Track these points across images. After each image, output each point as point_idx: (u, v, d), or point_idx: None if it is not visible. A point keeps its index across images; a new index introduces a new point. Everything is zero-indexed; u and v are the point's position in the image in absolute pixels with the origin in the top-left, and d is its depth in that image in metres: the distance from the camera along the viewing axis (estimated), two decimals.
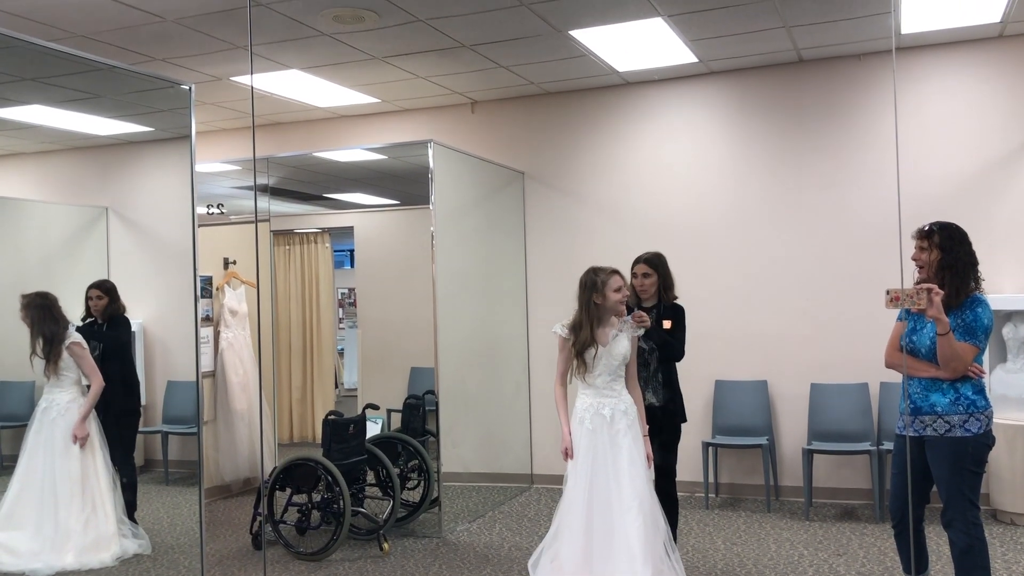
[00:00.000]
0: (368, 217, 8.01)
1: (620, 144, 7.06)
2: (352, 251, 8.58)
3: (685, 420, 4.85)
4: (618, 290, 4.28)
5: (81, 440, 4.83)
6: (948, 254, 3.82)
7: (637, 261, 4.78)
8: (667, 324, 4.71)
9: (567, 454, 4.28)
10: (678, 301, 4.82)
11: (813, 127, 6.54)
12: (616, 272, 4.32)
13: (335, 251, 9.41)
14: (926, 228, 3.89)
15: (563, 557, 4.19)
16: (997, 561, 4.80)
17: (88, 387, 4.93)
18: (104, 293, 5.25)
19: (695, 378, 6.74)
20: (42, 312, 4.77)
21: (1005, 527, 5.59)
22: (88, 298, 5.20)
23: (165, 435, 6.35)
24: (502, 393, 7.04)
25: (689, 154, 6.86)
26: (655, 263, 4.75)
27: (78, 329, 5.15)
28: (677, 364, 4.80)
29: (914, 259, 3.89)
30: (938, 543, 4.75)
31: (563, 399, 4.41)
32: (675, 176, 6.89)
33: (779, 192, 6.61)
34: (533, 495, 6.92)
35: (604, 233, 7.03)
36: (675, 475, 4.82)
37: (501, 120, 7.41)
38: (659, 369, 4.73)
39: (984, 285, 3.87)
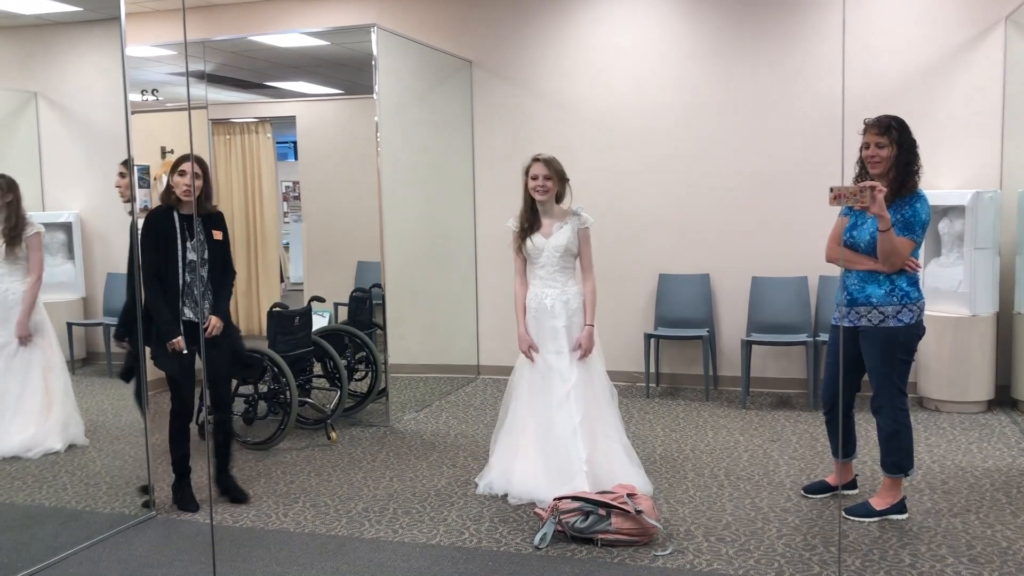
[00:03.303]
0: (311, 107, 7.79)
1: (569, 33, 6.91)
2: (295, 143, 8.37)
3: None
4: (535, 178, 4.32)
5: (24, 340, 4.77)
6: (904, 150, 3.84)
7: (182, 159, 4.29)
8: (217, 235, 4.37)
9: (528, 354, 4.40)
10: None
11: (762, 19, 6.46)
12: (537, 160, 4.34)
13: (278, 142, 9.16)
14: (885, 122, 3.84)
15: (516, 439, 4.42)
16: (920, 445, 5.04)
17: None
18: None
19: (639, 271, 6.84)
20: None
21: (930, 413, 5.86)
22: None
23: (107, 327, 6.25)
24: (449, 285, 7.05)
25: (639, 44, 6.75)
26: (203, 167, 4.33)
27: None
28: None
29: (871, 156, 3.87)
30: (867, 428, 4.95)
31: (521, 297, 4.47)
32: (624, 67, 6.79)
33: (725, 85, 6.57)
34: (479, 385, 7.03)
35: (553, 124, 6.95)
36: (230, 407, 4.62)
37: (449, 5, 7.18)
38: (214, 282, 4.38)
39: (922, 181, 3.94)
